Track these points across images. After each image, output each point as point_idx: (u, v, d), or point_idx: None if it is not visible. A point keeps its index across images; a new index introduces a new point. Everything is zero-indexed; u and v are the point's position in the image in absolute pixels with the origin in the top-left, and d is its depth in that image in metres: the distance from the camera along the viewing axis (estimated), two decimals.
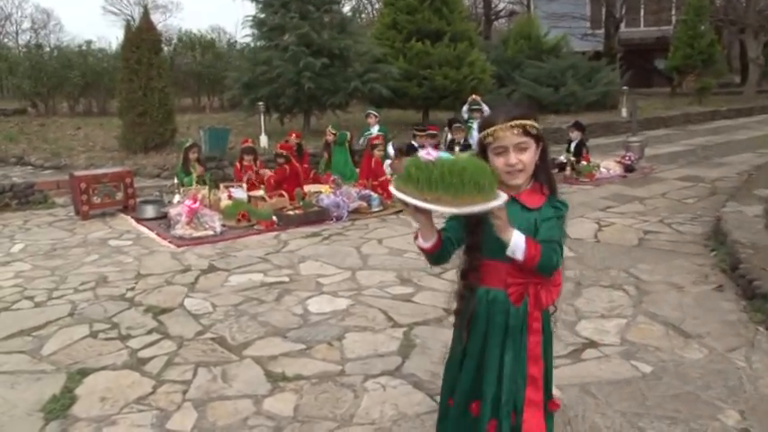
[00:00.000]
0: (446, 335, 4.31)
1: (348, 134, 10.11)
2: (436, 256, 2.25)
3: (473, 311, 2.31)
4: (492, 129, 2.13)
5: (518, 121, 2.11)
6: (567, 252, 6.08)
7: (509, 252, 2.08)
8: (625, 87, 18.67)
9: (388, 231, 7.22)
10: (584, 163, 10.00)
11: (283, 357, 4.09)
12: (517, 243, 2.07)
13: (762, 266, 4.95)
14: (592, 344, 4.16)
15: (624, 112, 17.21)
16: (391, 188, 2.03)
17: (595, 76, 19.95)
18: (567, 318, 4.58)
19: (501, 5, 44.77)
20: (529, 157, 2.15)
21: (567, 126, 11.50)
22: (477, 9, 44.59)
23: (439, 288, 5.29)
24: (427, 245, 2.19)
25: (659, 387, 3.60)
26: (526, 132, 2.12)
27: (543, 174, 2.24)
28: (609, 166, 10.13)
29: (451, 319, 4.59)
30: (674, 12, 29.85)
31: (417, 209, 1.96)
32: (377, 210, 8.10)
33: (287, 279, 5.64)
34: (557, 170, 10.21)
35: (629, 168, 10.20)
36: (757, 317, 4.46)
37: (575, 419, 3.30)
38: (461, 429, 2.41)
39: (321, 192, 8.17)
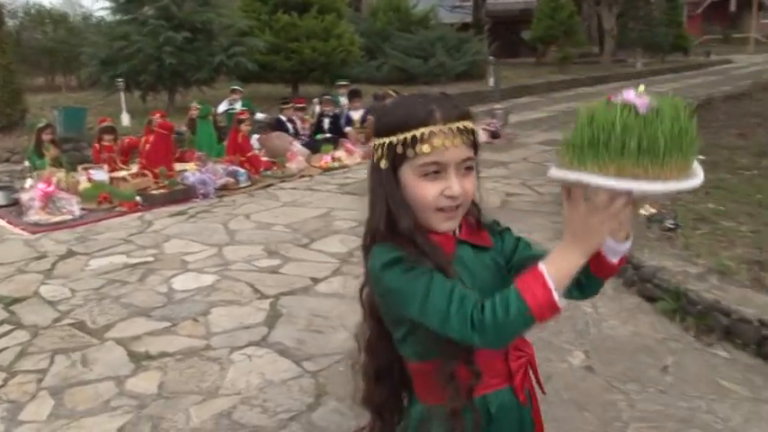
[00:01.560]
0: (312, 302, 4.38)
1: (212, 108, 9.84)
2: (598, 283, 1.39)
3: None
4: (423, 130, 1.29)
5: (465, 123, 1.33)
6: None
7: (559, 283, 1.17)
8: (492, 57, 19.24)
9: (256, 206, 7.14)
10: None
11: (147, 336, 3.99)
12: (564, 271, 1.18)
13: None
14: None
15: (491, 82, 17.77)
16: (555, 172, 1.18)
17: (463, 47, 20.45)
18: None
19: None
20: (472, 183, 1.37)
21: None
22: None
23: (306, 258, 5.32)
24: (614, 259, 1.29)
25: None
26: (473, 143, 1.35)
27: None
28: None
29: (317, 287, 4.64)
30: None
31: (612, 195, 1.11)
32: (245, 185, 7.98)
33: (151, 259, 5.48)
34: None
35: (494, 135, 10.58)
36: None
37: None
38: None
39: (186, 169, 7.96)
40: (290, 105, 10.33)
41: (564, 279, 1.16)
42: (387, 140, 1.34)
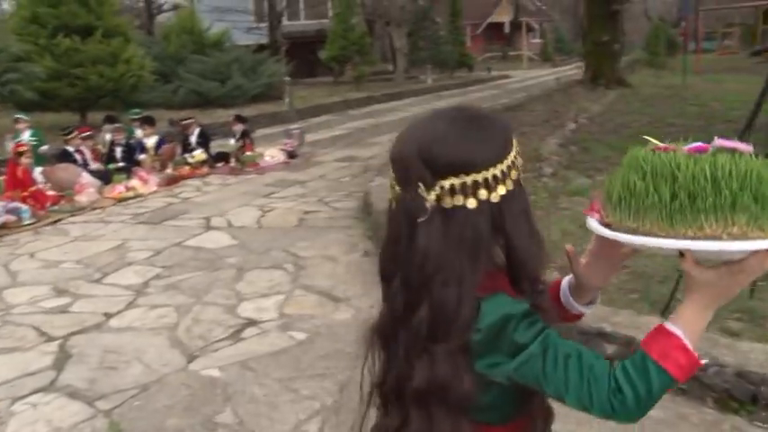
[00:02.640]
0: (104, 339, 4.20)
1: None
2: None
3: None
4: (515, 148, 1.19)
5: None
6: (229, 240, 6.29)
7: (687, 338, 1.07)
8: (288, 78, 19.49)
9: (43, 244, 6.67)
10: (247, 153, 10.27)
11: None
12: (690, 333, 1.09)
13: None
14: (251, 323, 4.36)
15: (287, 102, 17.98)
16: (603, 230, 1.12)
17: (260, 69, 20.48)
18: (228, 302, 4.73)
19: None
20: None
21: (231, 119, 11.70)
22: (139, 3, 42.85)
23: (98, 293, 5.08)
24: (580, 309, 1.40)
25: (312, 350, 3.92)
26: None
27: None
28: (273, 153, 10.53)
29: (111, 322, 4.47)
30: (330, 6, 31.80)
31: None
32: (29, 223, 7.41)
33: None
34: (222, 163, 10.36)
35: (291, 155, 10.73)
36: None
37: (235, 394, 3.45)
38: None
39: None
40: (74, 135, 9.74)
41: (696, 339, 1.08)
42: (495, 171, 1.13)
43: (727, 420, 3.06)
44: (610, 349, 3.57)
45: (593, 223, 1.14)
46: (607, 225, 1.12)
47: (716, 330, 3.73)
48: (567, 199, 6.77)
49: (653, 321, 3.68)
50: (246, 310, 4.58)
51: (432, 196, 1.10)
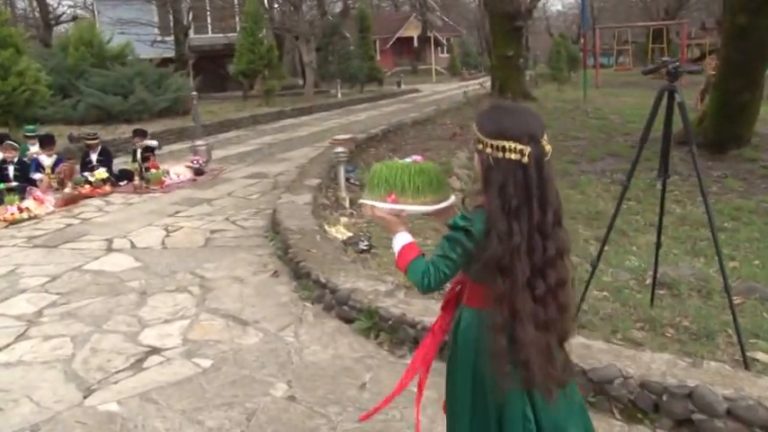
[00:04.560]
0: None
1: None
2: None
3: None
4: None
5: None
6: (132, 263, 6.01)
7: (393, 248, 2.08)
8: (194, 93, 19.01)
9: None
10: (152, 170, 9.91)
11: None
12: (393, 246, 2.06)
13: (307, 248, 5.51)
14: (154, 350, 4.15)
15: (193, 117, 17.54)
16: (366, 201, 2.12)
17: (165, 83, 19.88)
18: (129, 329, 4.50)
19: (62, 9, 41.88)
20: (476, 161, 1.99)
21: (131, 135, 11.29)
22: (35, 13, 41.00)
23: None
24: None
25: (218, 378, 3.77)
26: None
27: (483, 190, 1.93)
28: (179, 171, 10.21)
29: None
30: (237, 20, 31.35)
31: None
32: None
33: None
34: (126, 181, 9.96)
35: (198, 172, 10.43)
36: (305, 294, 4.97)
37: (134, 430, 3.26)
38: None
39: None
40: None
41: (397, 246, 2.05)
42: None
43: (633, 430, 3.12)
44: None
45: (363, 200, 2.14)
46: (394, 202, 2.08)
47: (620, 341, 3.83)
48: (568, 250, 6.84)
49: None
50: (149, 337, 4.37)
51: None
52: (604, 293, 4.73)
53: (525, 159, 1.86)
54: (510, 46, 21.67)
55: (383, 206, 2.03)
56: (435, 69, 46.01)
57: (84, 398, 3.59)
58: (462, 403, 2.14)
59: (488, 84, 24.84)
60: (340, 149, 7.63)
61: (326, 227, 6.21)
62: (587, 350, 3.52)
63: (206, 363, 3.95)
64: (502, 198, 1.86)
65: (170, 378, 3.77)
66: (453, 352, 2.16)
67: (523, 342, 1.90)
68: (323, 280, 4.77)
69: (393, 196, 2.03)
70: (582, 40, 35.01)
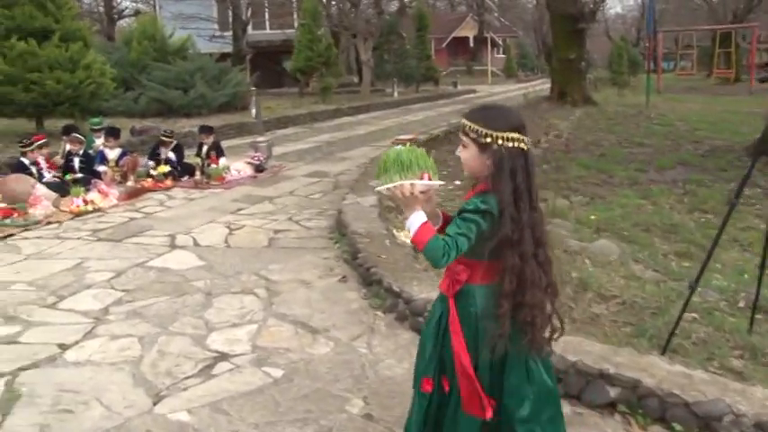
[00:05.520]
0: (61, 376, 3.81)
1: None
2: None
3: None
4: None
5: (464, 121, 2.25)
6: (195, 261, 5.91)
7: (407, 227, 2.19)
8: (254, 88, 19.08)
9: None
10: (213, 166, 9.88)
11: None
12: (411, 223, 2.16)
13: (377, 254, 5.32)
14: (223, 356, 4.01)
15: (254, 113, 17.58)
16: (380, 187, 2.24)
17: (224, 78, 20.02)
18: (196, 332, 4.38)
19: (126, 4, 42.76)
20: (465, 156, 2.26)
21: (198, 131, 11.28)
22: (99, 8, 41.93)
23: (53, 321, 4.67)
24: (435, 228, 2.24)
25: (291, 390, 3.60)
26: (465, 132, 2.24)
27: (492, 178, 2.21)
28: (239, 167, 10.16)
29: (66, 355, 4.09)
30: (295, 16, 31.47)
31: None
32: None
33: None
34: (187, 176, 9.96)
35: (258, 168, 10.36)
36: (376, 302, 4.77)
37: None
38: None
39: None
40: (34, 146, 9.22)
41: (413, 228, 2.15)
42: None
43: None
44: (613, 392, 3.33)
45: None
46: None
47: (717, 369, 3.54)
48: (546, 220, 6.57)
49: (655, 362, 3.47)
50: (216, 341, 4.23)
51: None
52: (693, 315, 4.40)
53: (526, 147, 2.21)
54: (572, 48, 21.19)
55: (422, 183, 2.16)
56: (491, 71, 45.48)
57: (154, 404, 3.46)
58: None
59: (547, 86, 24.38)
60: None
61: (395, 231, 6.01)
62: (688, 380, 3.25)
63: (277, 373, 3.78)
64: (513, 182, 2.17)
65: (241, 388, 3.62)
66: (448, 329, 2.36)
67: (533, 305, 2.24)
68: (396, 288, 4.57)
69: (427, 174, 2.19)
70: (644, 44, 34.10)
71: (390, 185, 2.17)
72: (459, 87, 34.94)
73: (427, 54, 33.79)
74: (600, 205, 7.55)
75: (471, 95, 31.86)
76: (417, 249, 2.28)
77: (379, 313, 4.63)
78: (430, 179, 2.19)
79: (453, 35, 54.91)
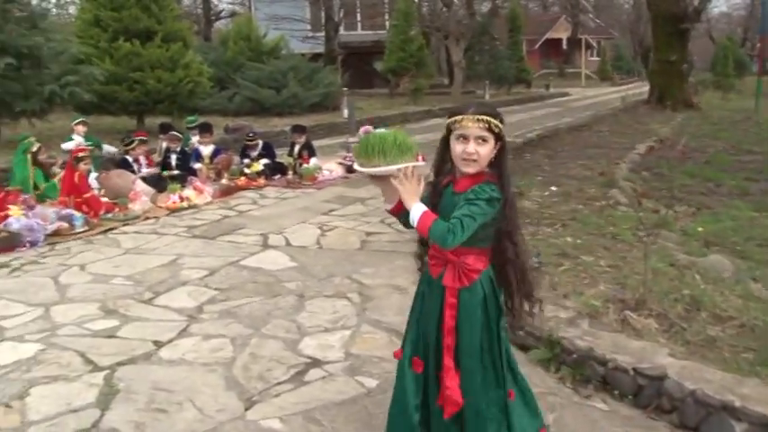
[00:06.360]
0: (156, 373, 3.80)
1: (33, 140, 8.61)
2: (402, 217, 2.42)
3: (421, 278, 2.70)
4: (460, 117, 2.34)
5: (484, 116, 2.31)
6: (288, 262, 5.85)
7: (410, 220, 2.30)
8: (345, 88, 19.20)
9: (94, 255, 6.36)
10: (305, 165, 9.89)
11: None
12: (414, 217, 2.28)
13: None
14: (315, 363, 3.91)
15: (345, 113, 17.66)
16: (355, 165, 2.46)
17: (316, 78, 20.23)
18: (288, 336, 4.30)
19: (222, 6, 44.04)
20: (486, 151, 2.34)
21: (290, 131, 11.35)
22: (198, 10, 43.35)
23: (149, 316, 4.70)
24: (388, 207, 2.47)
25: (385, 402, 3.40)
26: (489, 128, 2.32)
27: (497, 168, 2.40)
28: (331, 167, 10.14)
29: (161, 352, 4.09)
30: (387, 17, 31.56)
31: (370, 175, 2.37)
32: (81, 230, 7.14)
33: None
34: (279, 175, 10.02)
35: (350, 169, 10.31)
36: None
37: None
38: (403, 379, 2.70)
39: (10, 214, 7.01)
40: (136, 144, 9.49)
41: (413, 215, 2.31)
42: (447, 121, 2.40)
43: None
44: (739, 428, 3.01)
45: (355, 166, 2.45)
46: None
47: None
48: (649, 232, 6.18)
49: None
50: (309, 346, 4.14)
51: None
52: None
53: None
54: (673, 50, 20.28)
55: (420, 164, 2.33)
56: (585, 73, 44.26)
57: (246, 410, 3.38)
58: (473, 356, 2.51)
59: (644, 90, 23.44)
60: None
61: None
62: None
63: (371, 383, 3.64)
64: (509, 170, 2.41)
65: (333, 397, 3.50)
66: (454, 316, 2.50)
67: (529, 273, 2.58)
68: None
69: (422, 156, 2.36)
70: (753, 44, 32.32)
71: (394, 167, 2.28)
72: (552, 90, 34.13)
73: (520, 56, 33.17)
74: (707, 216, 7.07)
75: (564, 98, 31.05)
76: (423, 236, 2.37)
77: None
78: (424, 159, 2.38)
79: (546, 37, 53.78)
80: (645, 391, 3.35)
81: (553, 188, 8.47)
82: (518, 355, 3.94)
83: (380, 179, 2.39)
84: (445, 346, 2.49)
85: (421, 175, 2.34)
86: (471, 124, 2.30)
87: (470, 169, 2.35)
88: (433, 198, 2.47)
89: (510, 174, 2.41)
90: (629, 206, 7.37)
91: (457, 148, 2.36)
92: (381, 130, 2.37)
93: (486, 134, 2.32)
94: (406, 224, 2.45)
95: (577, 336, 3.77)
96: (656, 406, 3.31)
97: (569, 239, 5.94)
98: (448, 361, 2.48)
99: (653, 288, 4.49)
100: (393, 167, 2.28)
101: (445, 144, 2.44)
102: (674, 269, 5.19)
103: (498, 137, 2.36)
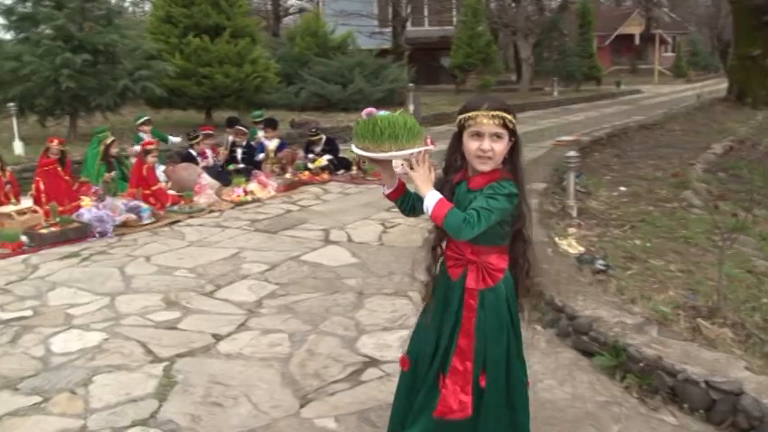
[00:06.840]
0: (213, 367, 3.82)
1: (108, 133, 8.86)
2: (400, 202, 2.50)
3: (435, 282, 2.58)
4: (474, 113, 2.27)
5: (500, 113, 2.25)
6: (349, 258, 5.82)
7: (424, 208, 2.26)
8: (411, 84, 19.08)
9: (159, 246, 6.48)
10: None
11: (9, 418, 3.33)
12: (429, 199, 2.22)
13: (538, 263, 4.95)
14: (372, 362, 3.85)
15: (411, 109, 17.57)
16: (352, 146, 2.36)
17: (382, 74, 20.19)
18: (346, 333, 4.26)
19: (291, 2, 44.54)
20: (501, 147, 2.28)
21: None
22: (267, 6, 43.99)
23: (209, 309, 4.74)
24: (387, 191, 2.49)
25: None
26: (504, 124, 2.26)
27: (511, 164, 2.36)
28: (396, 164, 10.06)
29: (219, 346, 4.11)
30: (454, 13, 31.30)
31: (374, 159, 2.31)
32: (148, 222, 7.30)
33: (30, 313, 4.77)
34: (343, 170, 10.03)
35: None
36: (535, 315, 4.43)
37: None
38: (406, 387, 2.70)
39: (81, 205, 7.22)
40: (201, 138, 9.65)
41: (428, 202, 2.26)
42: (459, 117, 2.32)
43: None
44: None
45: (356, 149, 2.35)
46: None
47: None
48: (726, 236, 5.89)
49: None
50: (367, 345, 4.09)
51: None
52: None
53: None
54: (756, 44, 19.34)
55: (431, 149, 2.28)
56: (658, 70, 42.91)
57: (301, 407, 3.36)
58: (498, 364, 2.46)
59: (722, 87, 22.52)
60: (572, 154, 6.99)
61: (557, 239, 5.62)
62: None
63: None
64: (523, 166, 2.37)
65: (389, 398, 3.40)
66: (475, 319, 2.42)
67: (535, 262, 2.56)
68: (559, 303, 4.21)
69: (430, 138, 2.31)
70: None
71: (407, 152, 2.23)
72: (623, 87, 33.15)
73: (590, 52, 32.27)
74: None
75: (635, 96, 30.14)
76: (437, 224, 2.30)
77: (538, 327, 4.29)
78: (433, 144, 2.31)
79: (618, 32, 52.34)
80: (718, 407, 3.16)
81: (622, 188, 8.20)
82: (581, 361, 3.83)
83: (382, 163, 2.36)
84: (458, 347, 2.43)
85: (432, 160, 2.31)
86: (486, 121, 2.25)
87: (486, 167, 2.30)
88: (444, 195, 2.37)
89: (524, 170, 2.38)
90: (704, 209, 7.05)
91: (471, 145, 2.29)
92: (386, 113, 2.25)
93: (500, 131, 2.27)
94: (405, 211, 2.52)
95: (645, 343, 3.60)
96: (730, 423, 3.11)
97: (638, 242, 5.72)
98: (456, 362, 2.43)
99: (728, 295, 4.27)
100: (406, 152, 2.23)
101: (456, 140, 2.38)
102: (751, 276, 4.94)
103: (512, 133, 2.30)
